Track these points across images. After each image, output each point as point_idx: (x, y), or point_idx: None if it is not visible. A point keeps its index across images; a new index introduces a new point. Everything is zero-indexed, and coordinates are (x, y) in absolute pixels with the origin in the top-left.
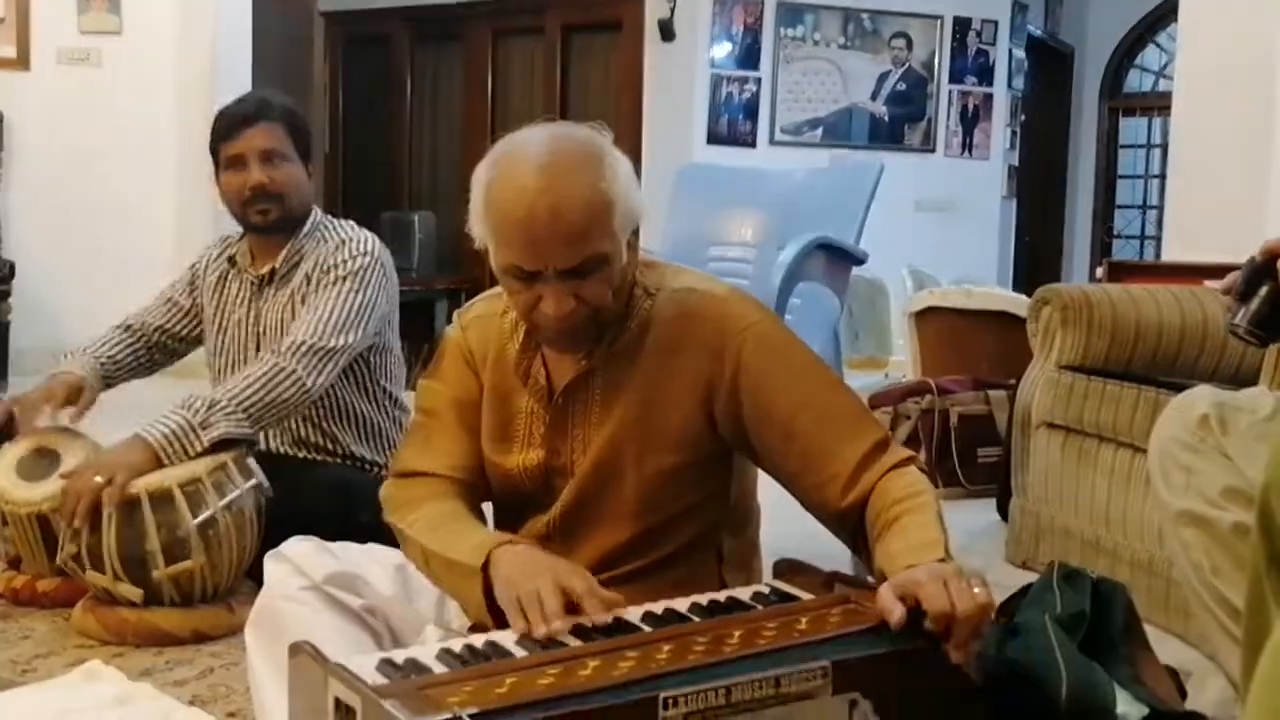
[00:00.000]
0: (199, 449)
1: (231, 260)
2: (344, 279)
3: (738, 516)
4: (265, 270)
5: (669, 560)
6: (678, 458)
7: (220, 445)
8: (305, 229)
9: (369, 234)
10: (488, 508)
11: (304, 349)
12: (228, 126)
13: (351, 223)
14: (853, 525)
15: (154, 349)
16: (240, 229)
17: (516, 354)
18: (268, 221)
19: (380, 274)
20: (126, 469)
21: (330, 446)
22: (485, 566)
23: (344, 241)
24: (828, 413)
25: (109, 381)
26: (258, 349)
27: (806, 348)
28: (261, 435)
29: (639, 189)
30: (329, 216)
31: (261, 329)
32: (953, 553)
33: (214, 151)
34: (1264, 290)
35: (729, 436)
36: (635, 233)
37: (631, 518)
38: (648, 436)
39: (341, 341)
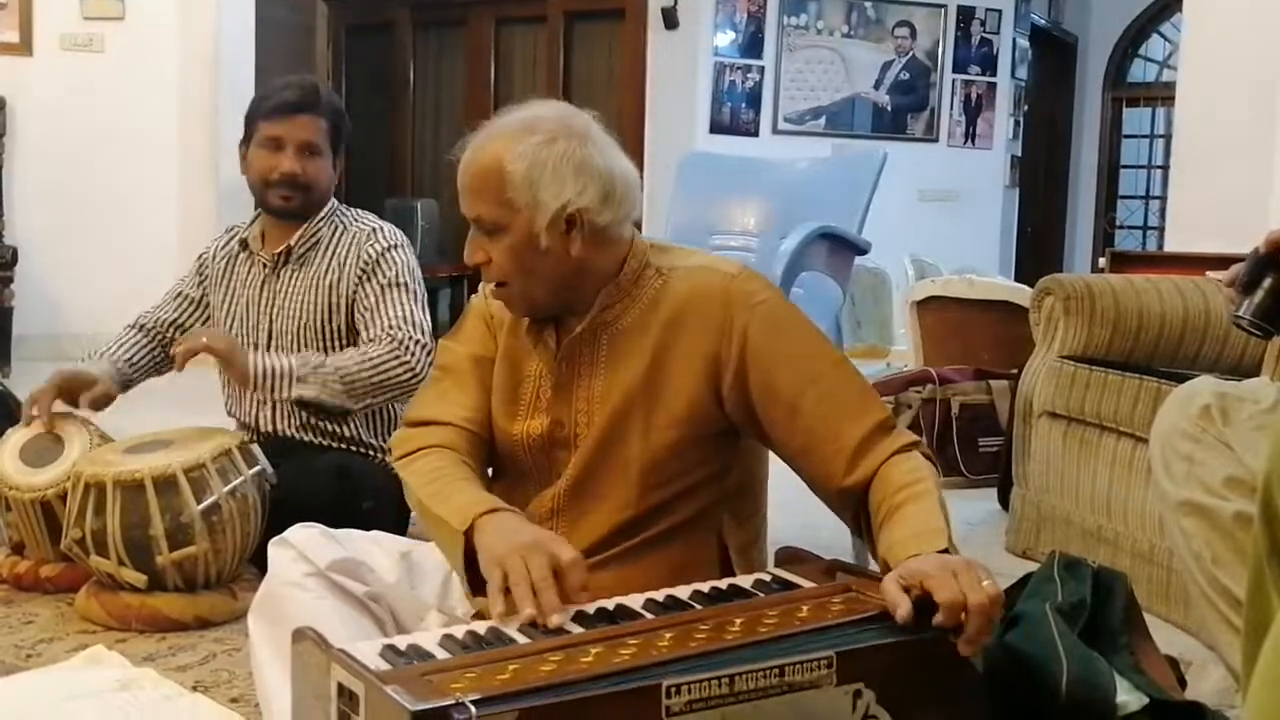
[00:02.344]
0: (285, 396)
1: (243, 243)
2: (400, 272)
3: (745, 505)
4: (280, 250)
5: (669, 538)
6: (682, 432)
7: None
8: (322, 214)
9: (387, 223)
10: None
11: (416, 344)
12: (276, 107)
13: (368, 212)
14: (854, 505)
15: (168, 347)
16: (253, 209)
17: (530, 320)
18: (288, 208)
19: (416, 261)
20: (230, 348)
21: (339, 431)
22: (469, 531)
23: (375, 230)
24: (833, 390)
25: (127, 384)
26: (270, 329)
27: (813, 326)
28: (276, 417)
29: (581, 181)
30: (343, 205)
31: (275, 309)
32: (955, 542)
33: (251, 123)
34: (1267, 282)
35: (735, 414)
36: (573, 224)
37: (635, 494)
38: (654, 410)
39: (428, 336)
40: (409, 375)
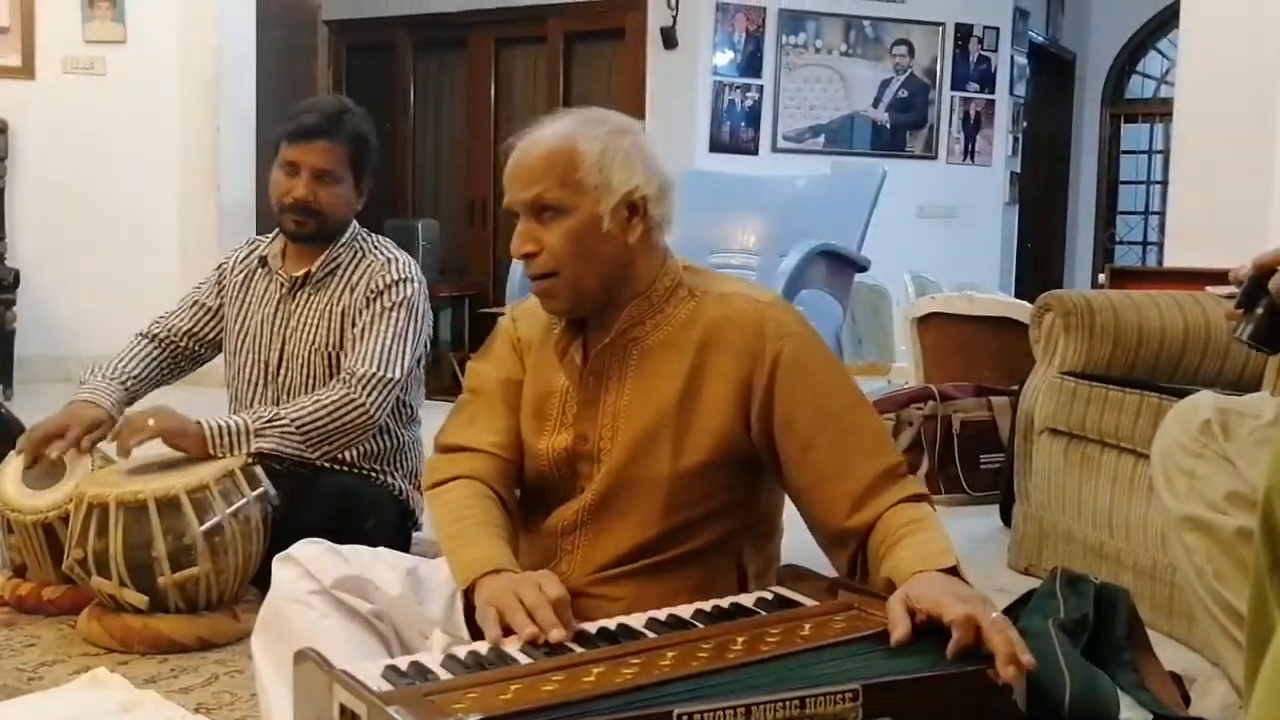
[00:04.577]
0: (244, 451)
1: (262, 260)
2: (398, 306)
3: (765, 529)
4: (300, 273)
5: (690, 559)
6: (711, 457)
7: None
8: (343, 239)
9: (407, 255)
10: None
11: (372, 381)
12: (294, 132)
13: (390, 241)
14: (854, 548)
15: (179, 357)
16: (255, 230)
17: (559, 334)
18: (300, 232)
19: (425, 301)
20: (180, 427)
21: (342, 455)
22: (470, 590)
23: (390, 260)
24: (848, 431)
25: (132, 398)
26: (282, 351)
27: (838, 364)
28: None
29: (646, 171)
30: (365, 230)
31: (289, 330)
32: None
33: (276, 144)
34: (1263, 304)
35: (757, 441)
36: (635, 211)
37: (660, 513)
38: (685, 432)
39: (399, 373)
40: (362, 418)
